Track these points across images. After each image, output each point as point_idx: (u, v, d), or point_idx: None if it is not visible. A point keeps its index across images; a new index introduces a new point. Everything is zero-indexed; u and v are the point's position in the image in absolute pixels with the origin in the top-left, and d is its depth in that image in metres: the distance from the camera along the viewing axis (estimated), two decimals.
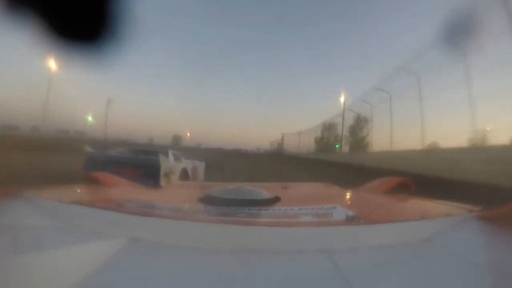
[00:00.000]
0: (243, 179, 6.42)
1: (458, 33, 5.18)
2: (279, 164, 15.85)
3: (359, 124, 18.53)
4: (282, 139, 43.61)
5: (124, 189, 1.09)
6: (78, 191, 0.95)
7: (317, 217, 0.69)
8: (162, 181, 4.29)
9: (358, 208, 0.74)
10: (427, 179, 4.57)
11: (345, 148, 20.24)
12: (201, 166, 6.17)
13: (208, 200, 0.78)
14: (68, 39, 0.64)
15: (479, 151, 6.62)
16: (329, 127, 25.24)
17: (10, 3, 0.53)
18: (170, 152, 5.10)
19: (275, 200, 0.82)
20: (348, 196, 1.14)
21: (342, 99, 20.67)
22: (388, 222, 0.61)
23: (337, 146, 22.04)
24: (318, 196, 1.17)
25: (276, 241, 0.49)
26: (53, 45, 0.62)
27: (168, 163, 4.69)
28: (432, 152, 9.38)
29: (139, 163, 4.35)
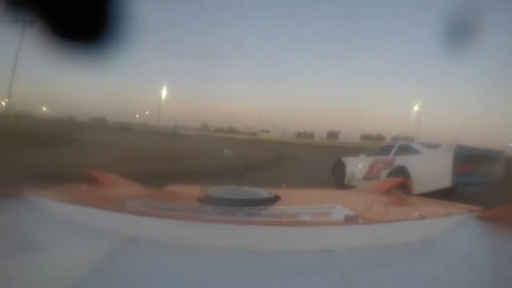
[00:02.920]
0: None
1: None
2: None
3: None
4: None
5: (124, 189, 1.09)
6: (78, 191, 0.96)
7: (316, 216, 0.69)
8: None
9: (358, 207, 0.74)
10: None
11: None
12: None
13: (207, 200, 0.77)
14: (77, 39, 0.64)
15: None
16: None
17: (11, 3, 0.54)
18: None
19: (275, 200, 0.82)
20: (347, 196, 1.14)
21: None
22: (388, 221, 0.61)
23: None
24: (317, 196, 1.17)
25: (276, 241, 0.49)
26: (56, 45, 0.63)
27: None
28: None
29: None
